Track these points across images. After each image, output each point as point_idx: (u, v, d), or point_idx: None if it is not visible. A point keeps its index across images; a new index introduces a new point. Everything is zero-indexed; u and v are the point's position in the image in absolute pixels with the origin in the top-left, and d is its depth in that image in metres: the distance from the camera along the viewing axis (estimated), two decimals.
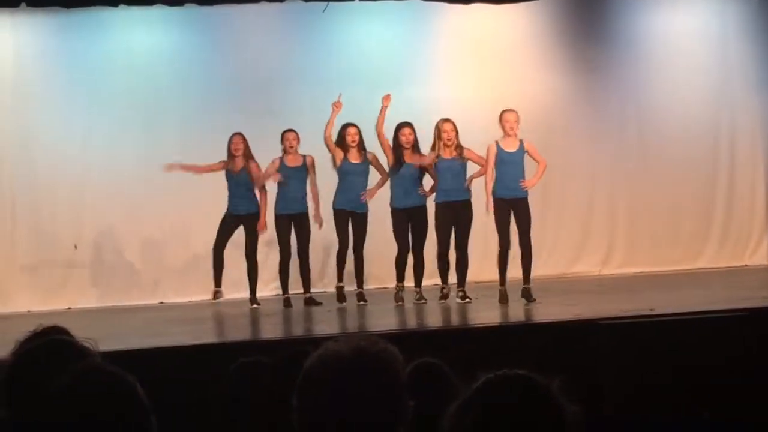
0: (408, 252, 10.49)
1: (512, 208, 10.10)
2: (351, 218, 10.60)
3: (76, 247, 12.09)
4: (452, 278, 10.39)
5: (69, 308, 11.70)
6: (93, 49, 12.15)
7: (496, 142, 10.20)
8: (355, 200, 10.58)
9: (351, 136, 10.56)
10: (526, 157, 10.22)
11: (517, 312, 9.55)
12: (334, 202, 10.67)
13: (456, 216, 10.27)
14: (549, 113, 12.58)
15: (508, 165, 10.12)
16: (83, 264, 12.11)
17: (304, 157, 10.79)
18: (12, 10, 11.83)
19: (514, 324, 8.72)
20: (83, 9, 11.89)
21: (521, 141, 10.22)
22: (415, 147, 10.46)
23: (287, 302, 10.70)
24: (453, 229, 10.27)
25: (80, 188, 12.08)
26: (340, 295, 10.65)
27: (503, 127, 10.16)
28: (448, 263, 10.36)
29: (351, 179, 10.60)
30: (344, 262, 10.67)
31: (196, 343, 8.31)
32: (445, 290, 10.39)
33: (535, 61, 12.85)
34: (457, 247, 10.29)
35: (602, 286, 11.38)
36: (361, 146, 10.62)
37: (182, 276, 12.05)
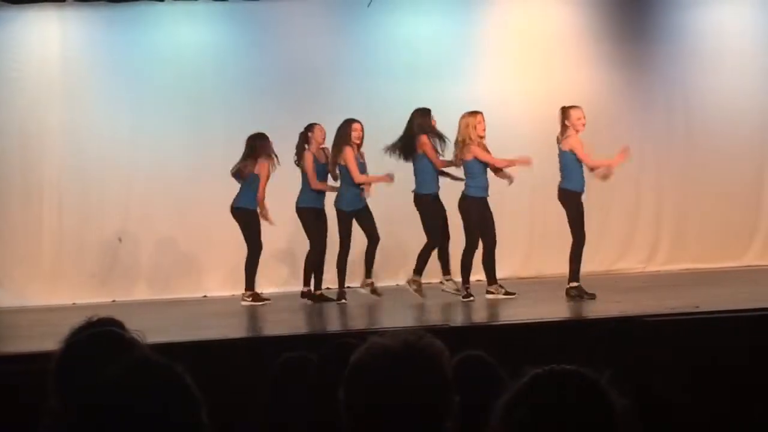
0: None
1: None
2: (356, 217, 10.50)
3: (120, 240, 12.18)
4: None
5: (113, 300, 11.76)
6: (139, 43, 12.23)
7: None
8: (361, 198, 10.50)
9: (357, 132, 10.36)
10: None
11: (561, 309, 9.51)
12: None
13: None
14: (595, 108, 12.45)
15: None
16: (128, 257, 12.19)
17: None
18: (59, 4, 11.98)
19: (559, 321, 8.68)
20: (129, 4, 12.02)
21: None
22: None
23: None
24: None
25: (126, 181, 12.17)
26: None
27: (574, 125, 9.90)
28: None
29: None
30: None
31: (240, 337, 8.34)
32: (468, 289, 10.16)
33: (582, 55, 12.76)
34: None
35: (647, 283, 11.29)
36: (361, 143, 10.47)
37: (226, 269, 12.07)
